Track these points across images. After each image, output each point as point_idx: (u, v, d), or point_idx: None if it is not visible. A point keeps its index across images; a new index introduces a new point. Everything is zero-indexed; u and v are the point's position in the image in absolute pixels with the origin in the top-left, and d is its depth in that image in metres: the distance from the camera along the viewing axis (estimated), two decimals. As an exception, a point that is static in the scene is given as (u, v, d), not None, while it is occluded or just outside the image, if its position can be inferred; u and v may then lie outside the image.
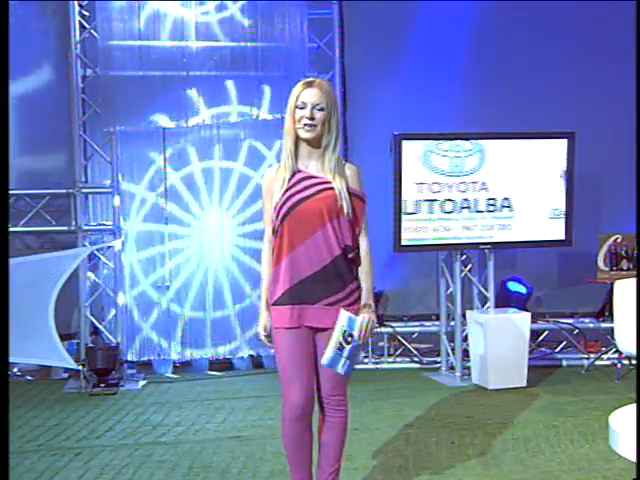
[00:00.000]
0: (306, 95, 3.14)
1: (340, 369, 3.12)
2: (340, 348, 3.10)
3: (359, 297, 3.23)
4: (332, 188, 3.16)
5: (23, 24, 6.29)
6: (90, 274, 6.35)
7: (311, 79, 3.23)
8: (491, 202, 5.92)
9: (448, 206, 5.87)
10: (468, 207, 5.91)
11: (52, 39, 6.46)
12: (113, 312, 6.27)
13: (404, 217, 5.79)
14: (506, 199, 5.94)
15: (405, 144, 5.78)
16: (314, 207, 3.15)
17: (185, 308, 6.33)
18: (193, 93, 6.27)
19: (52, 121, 6.44)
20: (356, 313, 3.17)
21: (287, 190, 3.16)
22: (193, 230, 6.36)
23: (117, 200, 6.21)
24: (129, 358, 6.27)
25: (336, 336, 3.11)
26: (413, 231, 5.83)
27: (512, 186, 5.96)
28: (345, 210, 3.17)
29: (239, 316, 6.35)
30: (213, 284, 6.34)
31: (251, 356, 6.46)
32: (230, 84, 6.34)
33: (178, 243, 6.34)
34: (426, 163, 5.80)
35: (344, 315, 3.12)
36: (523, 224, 6.00)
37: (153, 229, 6.31)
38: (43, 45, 6.48)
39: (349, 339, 3.12)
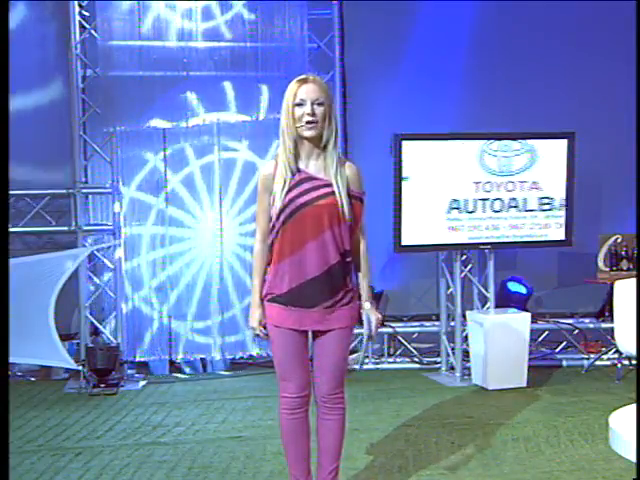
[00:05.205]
0: (304, 91, 3.12)
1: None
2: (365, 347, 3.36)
3: (353, 297, 3.26)
4: (333, 193, 3.15)
5: (23, 24, 6.29)
6: (90, 274, 6.34)
7: (305, 76, 3.19)
8: (545, 201, 5.99)
9: (497, 205, 5.94)
10: (516, 206, 5.96)
11: (52, 39, 6.46)
12: (114, 314, 6.27)
13: (464, 215, 5.88)
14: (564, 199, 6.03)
15: (418, 144, 5.81)
16: (315, 213, 3.13)
17: (189, 312, 6.33)
18: (193, 94, 6.27)
19: (52, 121, 6.45)
20: (352, 312, 3.24)
21: (288, 192, 3.14)
22: (194, 232, 6.35)
23: (117, 206, 6.20)
24: (131, 358, 6.27)
25: (365, 339, 3.30)
26: (473, 229, 5.91)
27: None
28: (347, 216, 3.17)
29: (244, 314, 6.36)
30: (217, 287, 6.34)
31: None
32: (230, 84, 6.34)
33: (179, 246, 6.33)
34: (481, 163, 5.86)
35: (366, 320, 3.29)
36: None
37: (154, 232, 6.30)
38: (43, 45, 6.48)
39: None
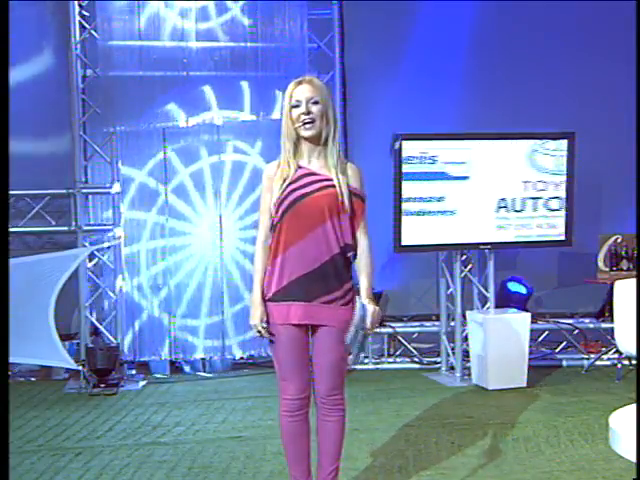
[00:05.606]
0: (299, 92, 3.17)
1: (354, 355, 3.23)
2: (356, 337, 3.17)
3: (354, 297, 3.25)
4: (334, 186, 3.18)
5: (23, 24, 6.29)
6: (90, 274, 6.34)
7: (301, 78, 3.25)
8: None
9: (553, 204, 5.98)
10: None
11: (52, 39, 6.46)
12: (113, 309, 6.26)
13: (512, 214, 5.94)
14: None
15: (478, 143, 5.87)
16: (315, 204, 3.16)
17: (180, 309, 6.32)
18: (193, 94, 6.26)
19: (52, 121, 6.45)
20: (352, 313, 3.20)
21: (289, 185, 3.17)
22: (195, 228, 6.34)
23: (117, 187, 6.16)
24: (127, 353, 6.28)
25: (354, 327, 3.17)
26: (521, 227, 5.96)
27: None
28: (346, 207, 3.18)
29: (235, 319, 6.36)
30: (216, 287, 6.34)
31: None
32: (230, 85, 6.34)
33: (179, 240, 6.33)
34: (532, 162, 5.91)
35: (359, 306, 3.16)
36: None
37: (157, 220, 6.30)
38: (43, 45, 6.48)
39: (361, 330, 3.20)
